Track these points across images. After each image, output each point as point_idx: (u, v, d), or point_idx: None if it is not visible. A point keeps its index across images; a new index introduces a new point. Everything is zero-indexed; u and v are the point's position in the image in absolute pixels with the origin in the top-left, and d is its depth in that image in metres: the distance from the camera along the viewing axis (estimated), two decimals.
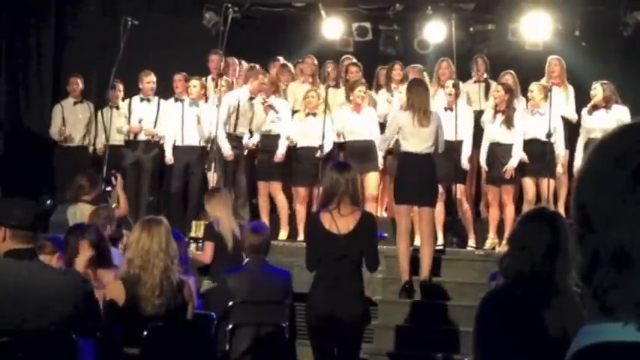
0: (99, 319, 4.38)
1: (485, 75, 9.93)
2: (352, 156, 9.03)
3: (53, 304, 4.11)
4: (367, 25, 11.23)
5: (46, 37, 10.39)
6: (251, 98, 9.32)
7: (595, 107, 9.06)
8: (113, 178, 8.94)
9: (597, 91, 9.03)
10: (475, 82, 9.98)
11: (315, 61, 10.23)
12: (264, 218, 9.05)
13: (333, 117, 9.38)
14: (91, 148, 10.11)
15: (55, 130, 10.00)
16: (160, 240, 4.90)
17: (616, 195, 1.06)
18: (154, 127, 9.90)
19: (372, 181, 9.18)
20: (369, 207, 9.09)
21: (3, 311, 4.04)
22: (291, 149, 9.36)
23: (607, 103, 8.98)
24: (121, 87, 9.93)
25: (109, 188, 8.41)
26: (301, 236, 9.04)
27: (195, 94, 9.63)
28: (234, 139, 9.18)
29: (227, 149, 9.03)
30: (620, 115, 8.80)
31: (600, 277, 1.07)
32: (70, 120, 10.02)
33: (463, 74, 9.89)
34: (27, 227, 4.14)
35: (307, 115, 9.31)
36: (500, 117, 8.99)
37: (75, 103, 10.09)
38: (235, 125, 9.19)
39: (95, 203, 7.55)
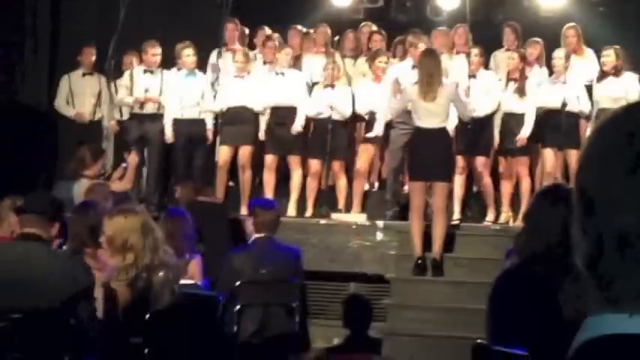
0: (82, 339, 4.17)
1: (516, 43, 9.49)
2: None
3: (49, 288, 4.04)
4: None
5: (43, 8, 10.05)
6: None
7: (604, 75, 8.67)
8: (126, 154, 8.71)
9: (611, 57, 8.58)
10: (506, 50, 9.53)
11: (329, 30, 9.88)
12: (269, 194, 8.72)
13: (354, 89, 9.00)
14: (104, 123, 9.63)
15: (62, 102, 9.51)
16: (139, 226, 4.62)
17: (622, 176, 1.00)
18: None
19: (363, 153, 8.92)
20: (357, 183, 8.86)
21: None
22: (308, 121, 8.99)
23: (617, 71, 8.59)
24: (133, 59, 9.44)
25: (124, 165, 8.17)
26: (309, 211, 8.85)
27: (190, 64, 9.14)
28: None
29: None
30: (630, 82, 8.44)
31: (605, 265, 1.02)
32: (77, 93, 9.48)
33: (478, 42, 9.57)
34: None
35: (325, 87, 8.92)
36: (512, 85, 8.73)
37: (84, 75, 9.55)
38: None
39: (96, 179, 7.33)
